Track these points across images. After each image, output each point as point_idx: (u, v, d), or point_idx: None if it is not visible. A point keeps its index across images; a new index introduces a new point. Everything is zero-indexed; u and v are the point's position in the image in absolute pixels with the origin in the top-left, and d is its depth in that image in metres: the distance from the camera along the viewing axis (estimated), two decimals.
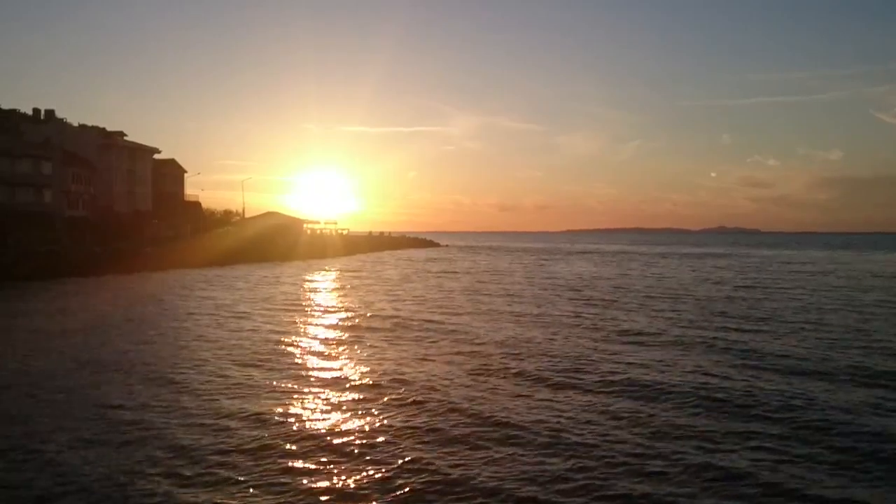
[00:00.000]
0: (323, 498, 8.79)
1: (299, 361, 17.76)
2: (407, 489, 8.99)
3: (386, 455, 10.24)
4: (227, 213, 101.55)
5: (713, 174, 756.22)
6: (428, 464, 9.80)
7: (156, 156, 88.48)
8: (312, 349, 19.71)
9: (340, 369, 16.68)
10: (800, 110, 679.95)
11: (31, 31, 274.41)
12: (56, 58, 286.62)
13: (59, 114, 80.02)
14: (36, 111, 78.79)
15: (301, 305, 31.28)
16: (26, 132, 72.71)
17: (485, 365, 16.87)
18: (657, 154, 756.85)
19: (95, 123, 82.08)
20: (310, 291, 38.97)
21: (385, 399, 13.54)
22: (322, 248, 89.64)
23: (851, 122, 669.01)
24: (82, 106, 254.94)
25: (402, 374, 15.83)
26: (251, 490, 8.96)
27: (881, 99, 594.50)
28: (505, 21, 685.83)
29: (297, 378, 15.61)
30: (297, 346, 20.06)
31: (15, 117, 75.59)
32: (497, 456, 10.17)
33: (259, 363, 17.31)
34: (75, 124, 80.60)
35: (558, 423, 11.80)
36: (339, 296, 36.25)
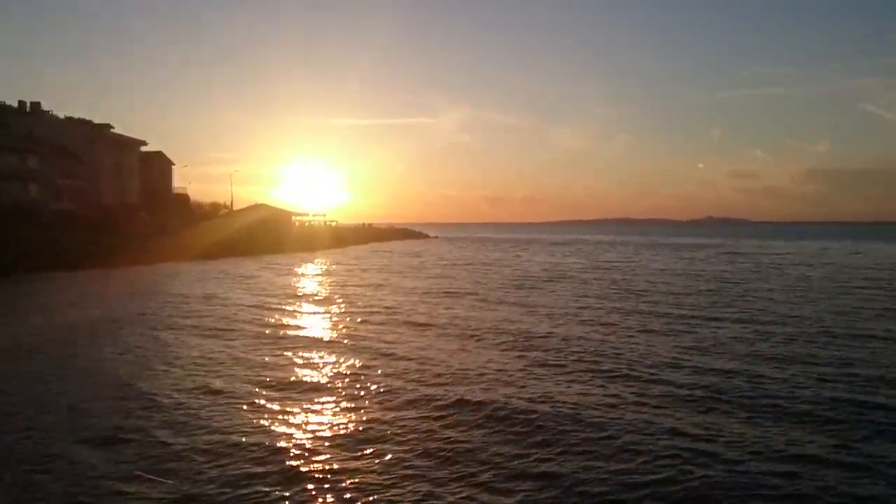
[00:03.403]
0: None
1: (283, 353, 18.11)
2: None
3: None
4: (215, 206, 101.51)
5: (701, 165, 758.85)
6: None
7: (143, 148, 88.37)
8: (297, 340, 20.06)
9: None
10: (787, 103, 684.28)
11: (16, 22, 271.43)
12: (42, 50, 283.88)
13: (45, 106, 79.78)
14: (21, 103, 78.49)
15: (287, 297, 31.60)
16: (11, 125, 72.48)
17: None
18: (646, 147, 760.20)
19: (82, 116, 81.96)
20: (297, 284, 39.28)
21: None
22: (311, 241, 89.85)
23: (838, 115, 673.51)
24: (68, 98, 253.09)
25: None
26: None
27: (868, 91, 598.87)
28: (495, 14, 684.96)
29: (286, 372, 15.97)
30: (283, 338, 20.41)
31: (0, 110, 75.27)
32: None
33: (246, 357, 17.65)
34: (61, 116, 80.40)
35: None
36: (323, 288, 36.62)
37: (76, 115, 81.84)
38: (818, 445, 10.40)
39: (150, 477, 9.15)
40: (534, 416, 11.75)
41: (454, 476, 9.21)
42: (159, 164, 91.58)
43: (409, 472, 9.38)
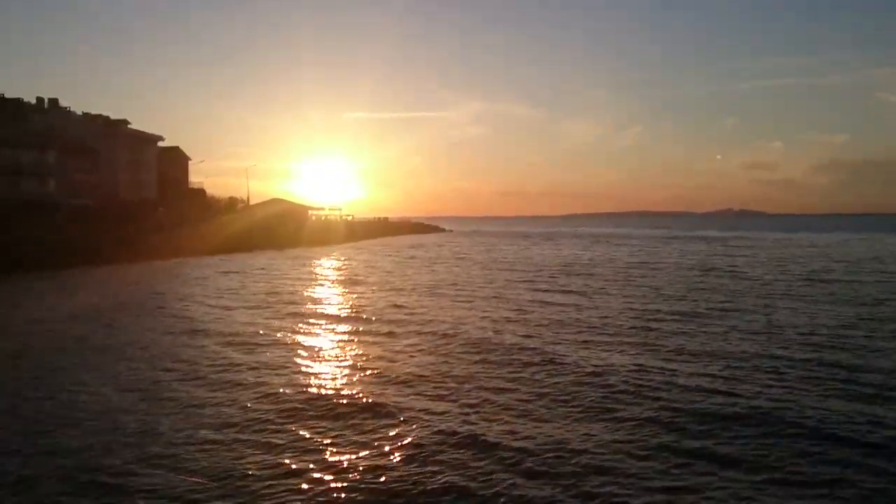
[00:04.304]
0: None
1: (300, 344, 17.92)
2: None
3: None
4: (232, 201, 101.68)
5: (718, 157, 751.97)
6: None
7: (160, 143, 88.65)
8: (312, 332, 19.86)
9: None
10: (804, 93, 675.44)
11: (35, 19, 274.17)
12: (60, 46, 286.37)
13: (63, 102, 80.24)
14: (40, 100, 78.94)
15: (303, 293, 31.48)
16: (30, 121, 72.95)
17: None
18: (660, 139, 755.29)
19: (99, 112, 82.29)
20: (312, 280, 39.18)
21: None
22: (326, 235, 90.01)
23: (857, 105, 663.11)
24: (86, 94, 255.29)
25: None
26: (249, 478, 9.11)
27: (886, 80, 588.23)
28: (507, 7, 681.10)
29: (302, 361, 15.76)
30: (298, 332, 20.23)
31: (18, 106, 75.73)
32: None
33: (260, 349, 17.48)
34: (79, 113, 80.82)
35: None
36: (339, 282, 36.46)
37: (93, 111, 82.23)
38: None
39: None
40: (538, 444, 11.42)
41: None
42: (176, 160, 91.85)
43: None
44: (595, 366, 15.57)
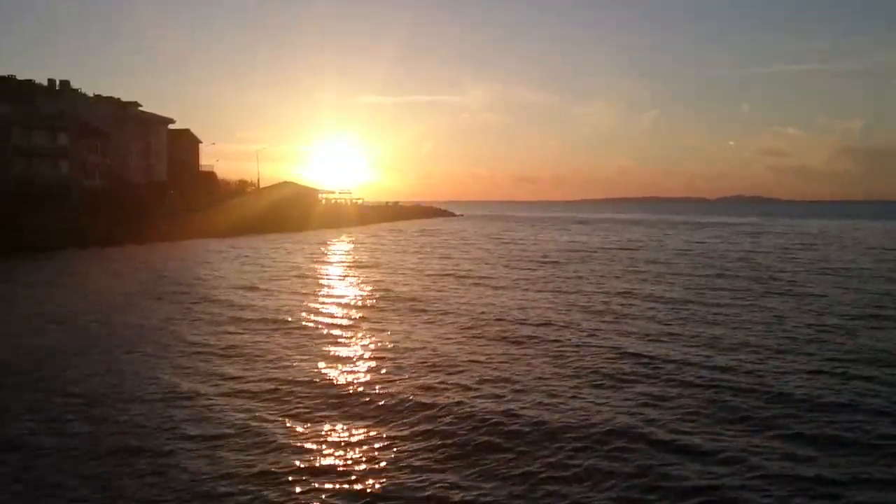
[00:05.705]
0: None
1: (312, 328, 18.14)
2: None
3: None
4: (242, 184, 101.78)
5: (731, 143, 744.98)
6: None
7: (170, 126, 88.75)
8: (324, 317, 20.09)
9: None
10: (821, 79, 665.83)
11: (46, 1, 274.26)
12: (71, 28, 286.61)
13: (74, 84, 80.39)
14: (51, 82, 79.16)
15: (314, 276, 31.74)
16: (42, 103, 73.23)
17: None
18: (675, 123, 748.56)
19: (110, 94, 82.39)
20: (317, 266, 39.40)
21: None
22: (336, 218, 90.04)
23: (873, 91, 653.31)
24: (97, 76, 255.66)
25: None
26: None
27: None
28: None
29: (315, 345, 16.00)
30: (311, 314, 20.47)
31: (30, 88, 76.02)
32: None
33: (271, 331, 17.74)
34: (90, 95, 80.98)
35: None
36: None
37: (104, 94, 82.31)
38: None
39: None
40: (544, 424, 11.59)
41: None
42: (186, 142, 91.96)
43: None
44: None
